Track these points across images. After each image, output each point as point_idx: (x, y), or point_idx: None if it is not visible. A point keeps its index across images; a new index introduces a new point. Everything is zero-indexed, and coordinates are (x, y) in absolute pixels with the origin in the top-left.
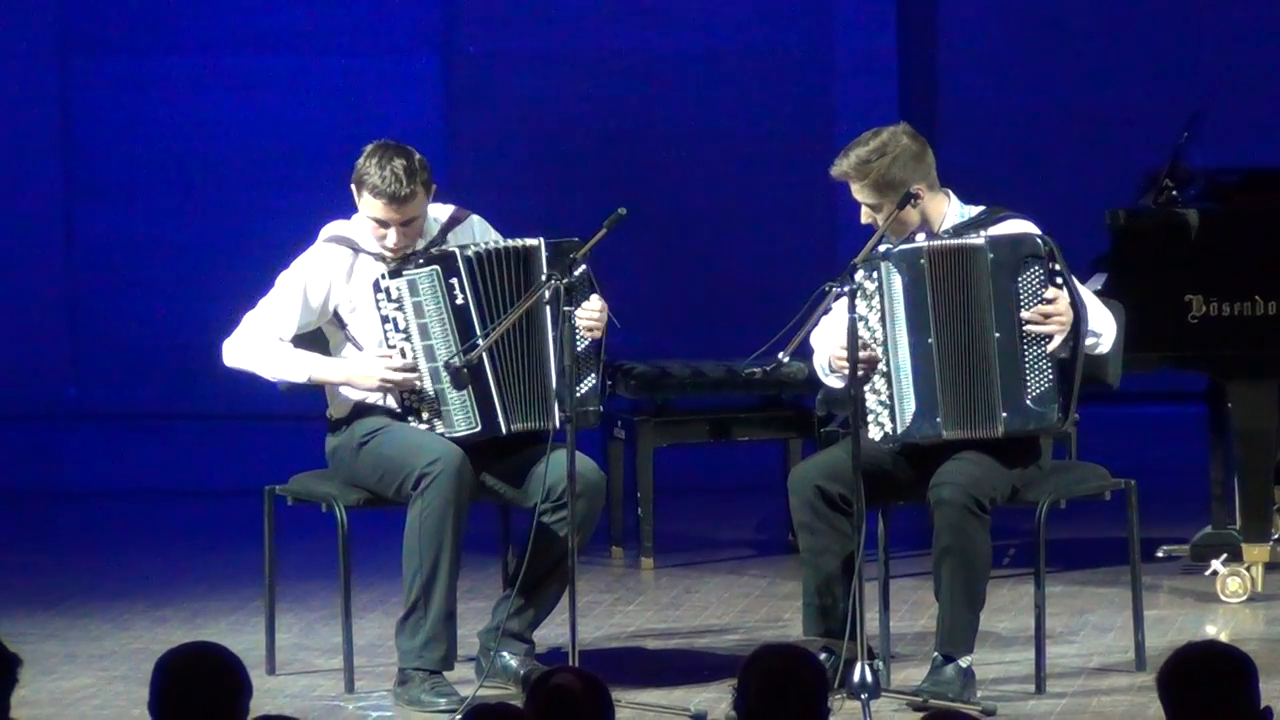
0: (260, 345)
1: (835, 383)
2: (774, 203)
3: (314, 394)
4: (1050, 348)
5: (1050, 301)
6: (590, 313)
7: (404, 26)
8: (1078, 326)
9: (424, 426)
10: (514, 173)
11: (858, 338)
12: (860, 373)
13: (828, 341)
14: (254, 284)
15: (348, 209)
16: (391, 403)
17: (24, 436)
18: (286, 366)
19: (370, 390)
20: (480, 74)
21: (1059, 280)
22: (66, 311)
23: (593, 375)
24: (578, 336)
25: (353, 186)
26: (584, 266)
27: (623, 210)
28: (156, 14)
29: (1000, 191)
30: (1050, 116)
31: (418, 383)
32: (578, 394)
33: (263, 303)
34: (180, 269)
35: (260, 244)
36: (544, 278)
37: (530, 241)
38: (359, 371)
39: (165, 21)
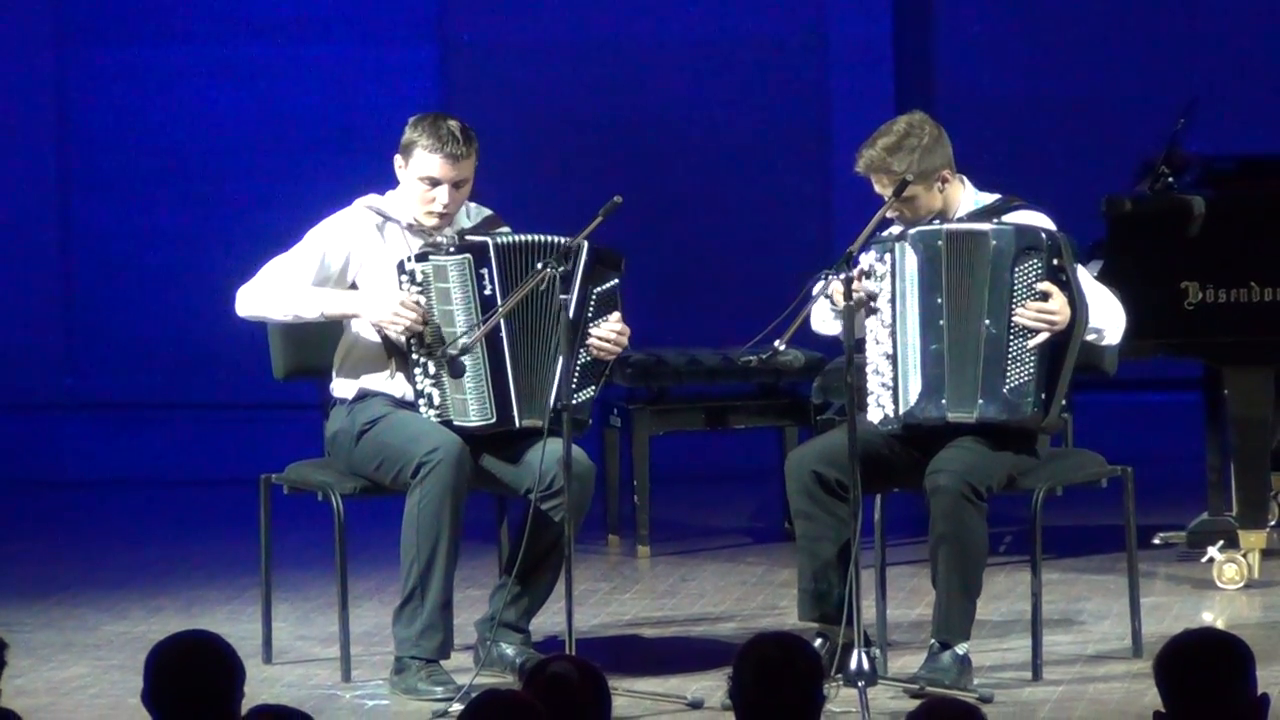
0: (274, 288)
1: (832, 328)
2: (769, 191)
3: (312, 379)
4: (1032, 343)
5: (1045, 297)
6: (608, 332)
7: (400, 15)
8: (1073, 327)
9: (435, 412)
10: (510, 161)
11: (853, 323)
12: (855, 303)
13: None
14: (250, 274)
15: (344, 199)
16: (397, 335)
17: (20, 426)
18: (299, 303)
19: (381, 321)
20: (476, 63)
21: (1063, 277)
22: (63, 301)
23: (591, 389)
24: (587, 349)
25: (398, 156)
26: (615, 281)
27: (618, 198)
28: (152, 4)
29: (996, 179)
30: (1046, 104)
31: (425, 356)
32: (573, 402)
33: (284, 255)
34: (176, 259)
35: (256, 233)
36: (540, 265)
37: (561, 239)
38: (373, 302)
39: (161, 11)
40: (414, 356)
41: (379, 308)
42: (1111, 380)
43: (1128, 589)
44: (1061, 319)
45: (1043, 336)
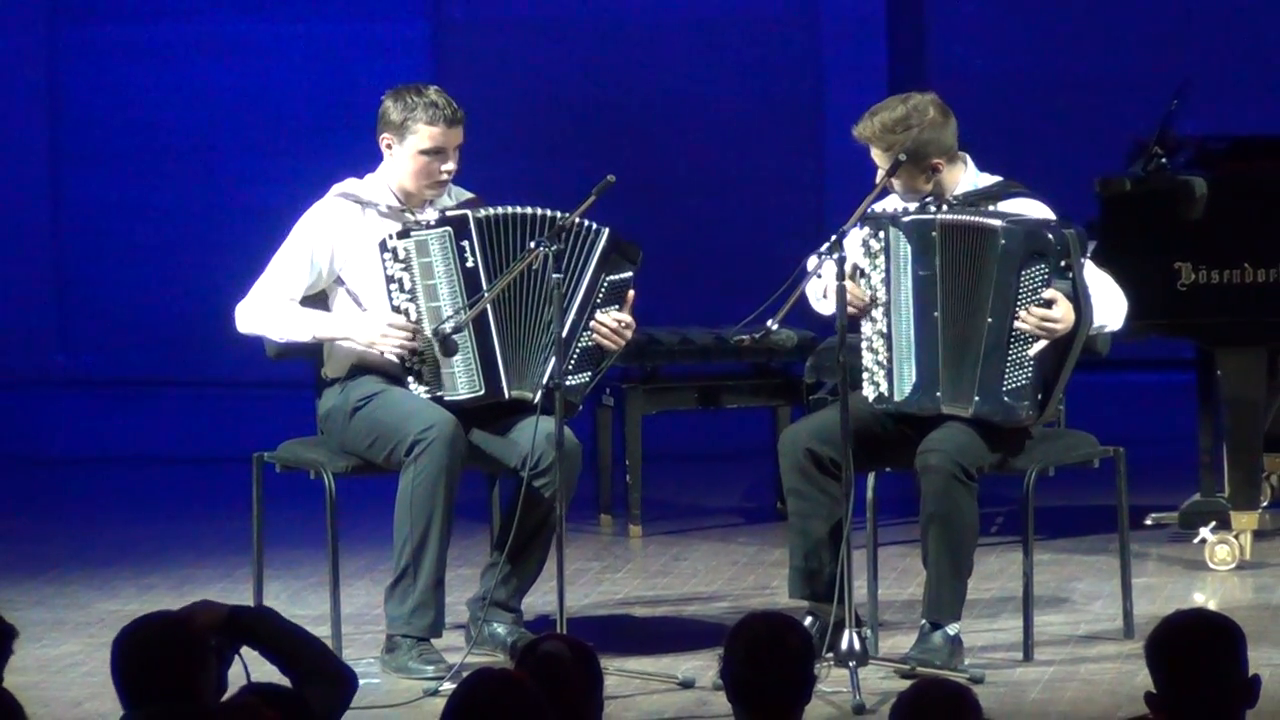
0: (268, 308)
1: (826, 308)
2: (762, 168)
3: (304, 359)
4: (1033, 350)
5: (1049, 304)
6: (610, 322)
7: None
8: (1076, 329)
9: (424, 388)
10: (502, 139)
11: (847, 303)
12: (855, 312)
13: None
14: (241, 250)
15: (335, 176)
16: (391, 357)
17: (12, 403)
18: (292, 326)
19: (369, 346)
20: (469, 40)
21: (1069, 275)
22: (54, 278)
23: (588, 374)
24: (587, 335)
25: (387, 136)
26: (630, 274)
27: (611, 177)
28: None
29: (988, 158)
30: (1039, 82)
31: (419, 344)
32: (567, 383)
33: (271, 265)
34: (168, 235)
35: (248, 210)
36: (533, 244)
37: (542, 210)
38: (360, 327)
39: None
40: (408, 365)
41: (367, 330)
42: (1104, 361)
43: (1119, 570)
44: (1063, 328)
45: (1042, 344)
